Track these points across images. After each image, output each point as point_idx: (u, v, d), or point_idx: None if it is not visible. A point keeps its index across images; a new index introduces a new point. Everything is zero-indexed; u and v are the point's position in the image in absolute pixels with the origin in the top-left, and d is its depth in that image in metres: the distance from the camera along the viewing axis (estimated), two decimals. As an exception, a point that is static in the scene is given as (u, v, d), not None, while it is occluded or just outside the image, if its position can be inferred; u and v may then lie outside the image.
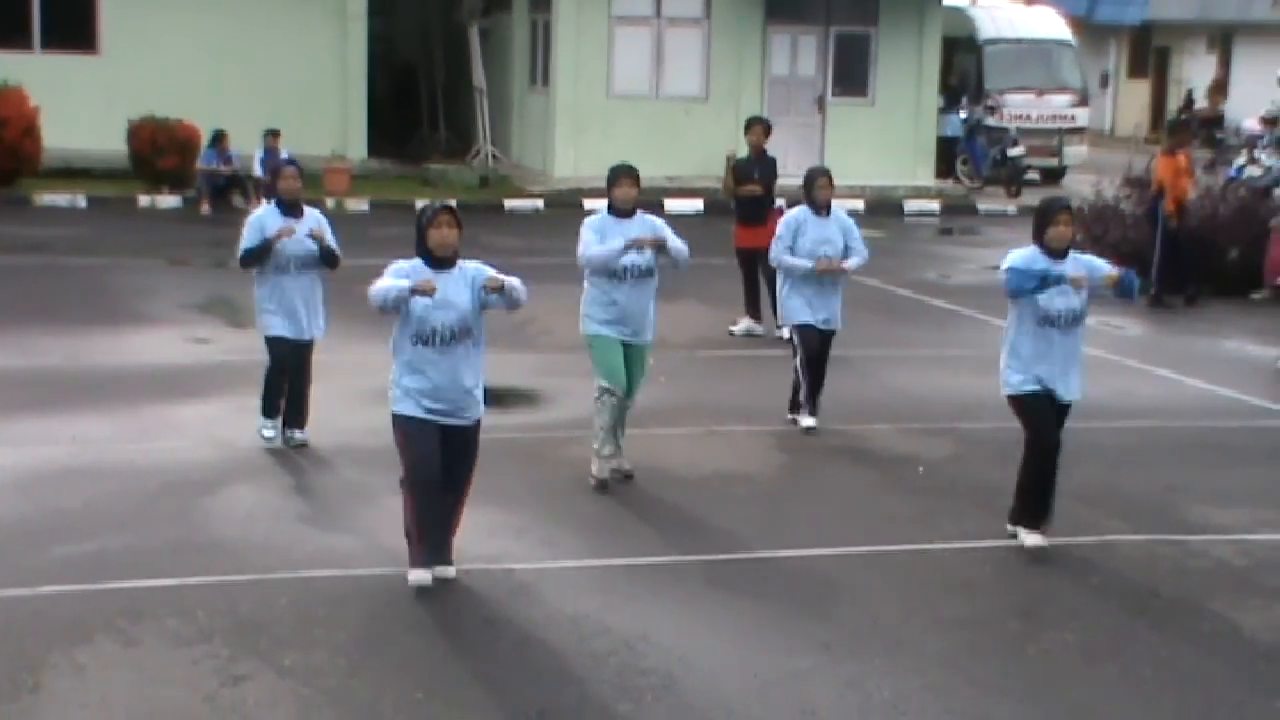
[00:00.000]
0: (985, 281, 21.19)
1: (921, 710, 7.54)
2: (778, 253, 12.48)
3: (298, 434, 11.61)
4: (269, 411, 11.64)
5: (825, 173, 12.76)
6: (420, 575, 8.72)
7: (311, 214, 11.46)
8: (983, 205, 29.37)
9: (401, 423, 8.68)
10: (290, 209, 11.31)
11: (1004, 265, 9.80)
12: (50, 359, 14.33)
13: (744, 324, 16.44)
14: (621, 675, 7.78)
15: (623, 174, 10.73)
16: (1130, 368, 15.40)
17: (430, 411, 8.62)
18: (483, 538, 9.49)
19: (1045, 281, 9.50)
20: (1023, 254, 9.74)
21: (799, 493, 11.13)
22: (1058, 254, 9.63)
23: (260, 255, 11.22)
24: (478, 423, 8.84)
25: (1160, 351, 16.29)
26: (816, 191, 12.53)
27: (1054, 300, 9.59)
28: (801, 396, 12.60)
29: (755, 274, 16.22)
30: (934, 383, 14.21)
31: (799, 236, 12.37)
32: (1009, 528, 9.96)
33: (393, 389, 8.72)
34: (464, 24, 30.75)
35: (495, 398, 13.09)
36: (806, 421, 12.50)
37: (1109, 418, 13.01)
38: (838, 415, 12.66)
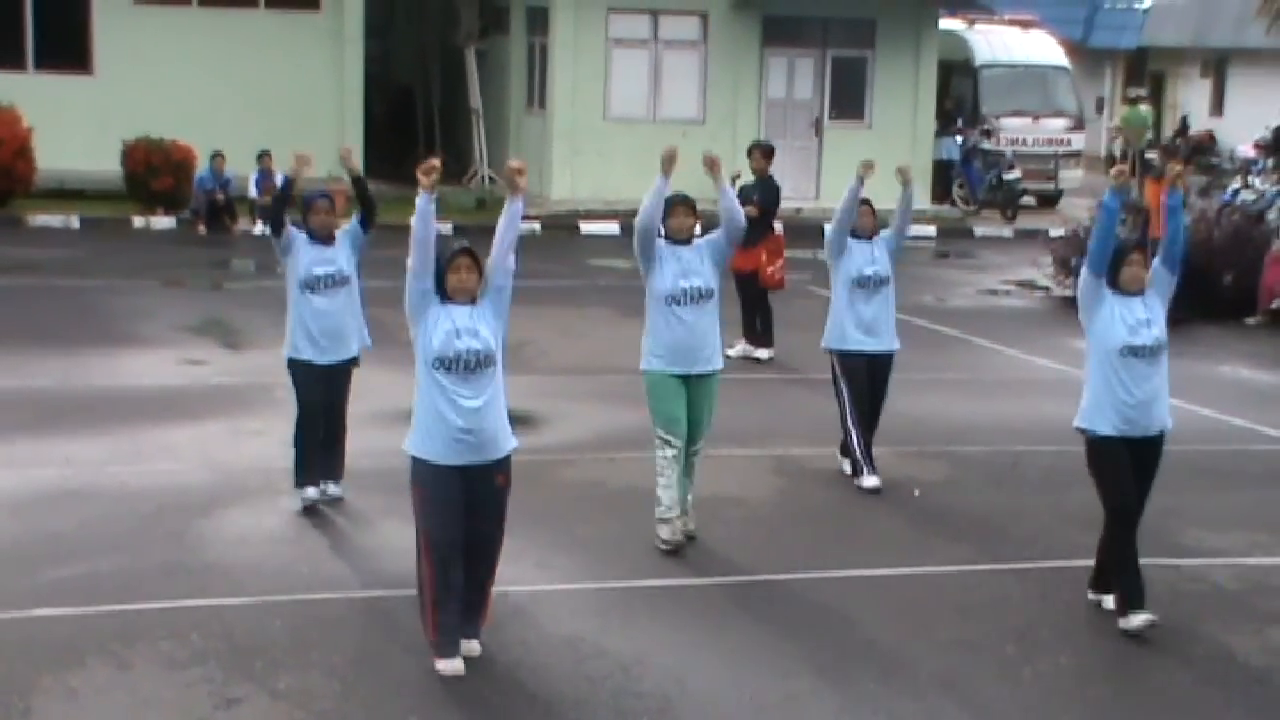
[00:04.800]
0: (982, 305, 21.25)
1: (917, 735, 7.53)
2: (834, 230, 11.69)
3: (333, 488, 10.78)
4: (305, 475, 10.66)
5: (865, 201, 11.75)
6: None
7: (342, 238, 10.77)
8: (979, 229, 29.40)
9: (421, 469, 8.00)
10: (322, 240, 10.61)
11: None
12: (43, 380, 14.31)
13: (740, 346, 16.45)
14: (617, 698, 7.77)
15: (678, 203, 10.09)
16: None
17: (454, 447, 7.93)
18: (477, 560, 9.47)
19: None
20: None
21: (794, 516, 11.12)
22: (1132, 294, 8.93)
23: (280, 207, 10.69)
24: (507, 464, 8.14)
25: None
26: (859, 219, 11.77)
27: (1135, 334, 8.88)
28: (855, 448, 11.71)
29: (750, 297, 16.26)
30: (929, 406, 14.21)
31: (847, 254, 11.68)
32: (1090, 595, 9.33)
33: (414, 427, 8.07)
34: (461, 46, 30.77)
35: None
36: (868, 482, 11.59)
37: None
38: (833, 438, 12.64)
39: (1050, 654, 8.59)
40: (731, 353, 16.32)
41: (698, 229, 10.24)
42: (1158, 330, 8.92)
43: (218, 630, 8.43)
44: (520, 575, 9.43)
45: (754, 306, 16.39)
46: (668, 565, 9.81)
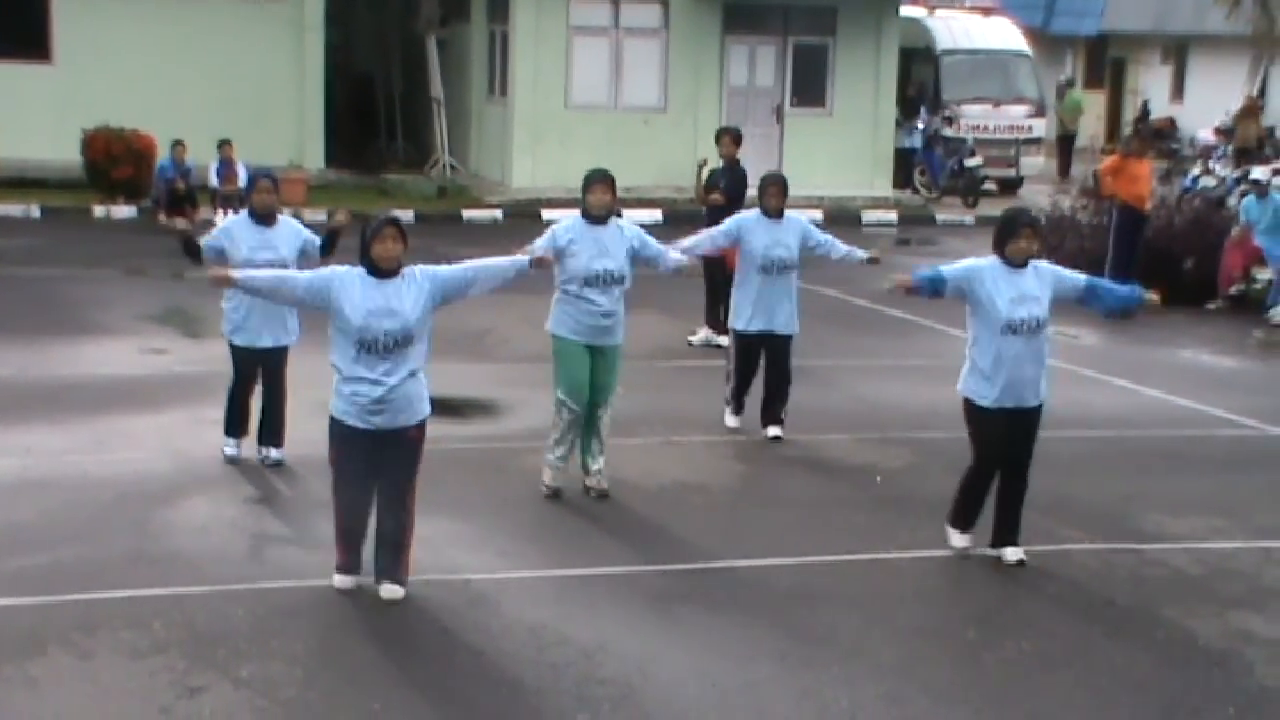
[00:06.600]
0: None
1: (878, 719, 7.55)
2: (691, 240, 12.24)
3: (274, 453, 11.39)
4: (232, 429, 11.44)
5: (778, 180, 12.56)
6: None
7: (287, 224, 11.23)
8: (940, 216, 29.48)
9: (337, 428, 8.62)
10: (263, 219, 11.10)
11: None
12: (3, 370, 14.22)
13: (703, 334, 16.46)
14: (579, 685, 7.78)
15: (597, 180, 10.68)
16: (1086, 377, 15.46)
17: (369, 417, 8.53)
18: (440, 548, 9.47)
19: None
20: (978, 263, 9.64)
21: (757, 503, 11.14)
22: (1018, 267, 9.45)
23: (206, 256, 11.00)
24: (420, 425, 8.72)
25: (1116, 361, 16.37)
26: (767, 199, 12.41)
27: (1015, 309, 9.37)
28: (727, 392, 12.88)
29: (718, 282, 16.27)
30: (891, 393, 14.24)
31: (747, 236, 12.27)
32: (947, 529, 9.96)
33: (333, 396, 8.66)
34: (422, 34, 30.71)
35: (453, 408, 13.09)
36: (730, 421, 12.83)
37: (1065, 427, 13.04)
38: (796, 425, 12.66)
39: (1011, 638, 8.62)
40: (694, 340, 16.37)
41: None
42: (1038, 309, 9.38)
43: (179, 619, 8.41)
44: (482, 563, 9.44)
45: (720, 292, 16.38)
46: (630, 552, 9.83)
